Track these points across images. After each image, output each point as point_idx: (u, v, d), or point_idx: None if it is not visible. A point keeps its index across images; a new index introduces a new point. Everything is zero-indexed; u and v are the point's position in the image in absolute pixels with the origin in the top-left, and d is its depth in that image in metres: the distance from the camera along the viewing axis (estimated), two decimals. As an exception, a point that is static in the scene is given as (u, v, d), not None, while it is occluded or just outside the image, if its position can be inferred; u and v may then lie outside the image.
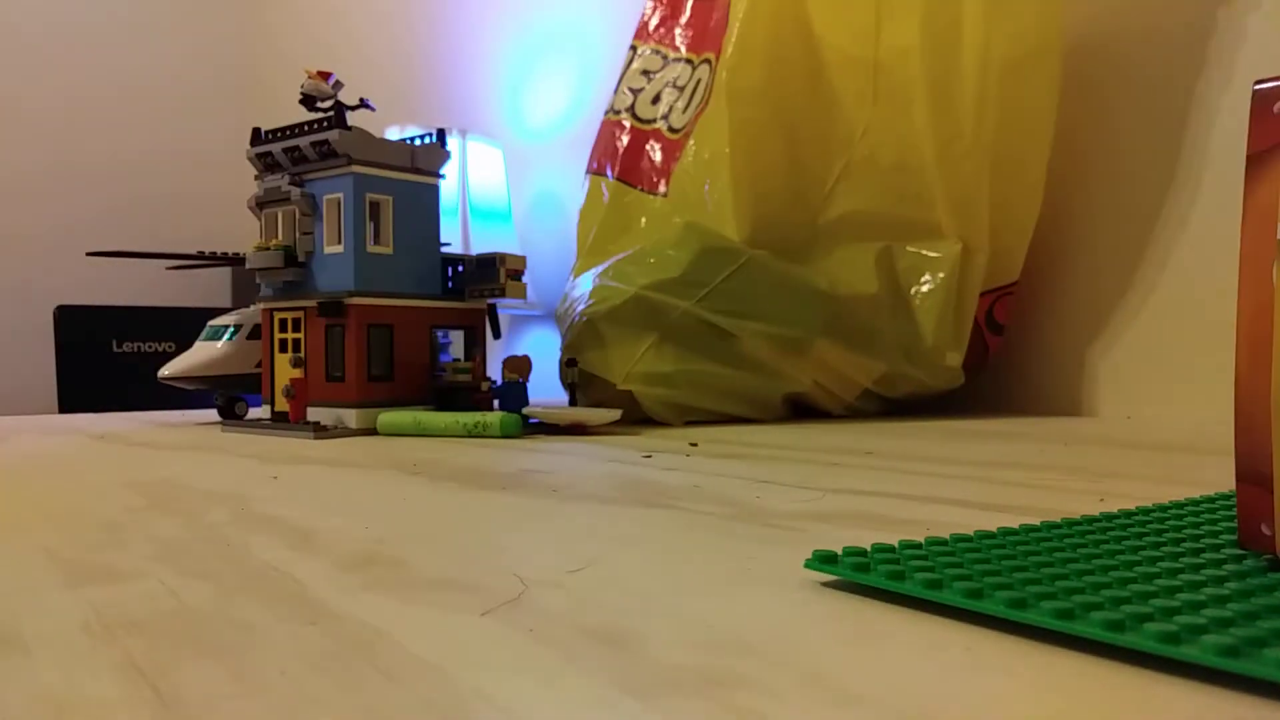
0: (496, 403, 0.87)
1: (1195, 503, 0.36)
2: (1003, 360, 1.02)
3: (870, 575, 0.25)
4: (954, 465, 0.53)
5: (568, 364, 0.89)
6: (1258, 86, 0.28)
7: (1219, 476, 0.47)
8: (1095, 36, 0.95)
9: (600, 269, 0.93)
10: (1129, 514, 0.34)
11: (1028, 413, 0.98)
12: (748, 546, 0.32)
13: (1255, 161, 0.27)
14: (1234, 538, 0.30)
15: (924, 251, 0.92)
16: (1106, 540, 0.29)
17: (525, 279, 0.90)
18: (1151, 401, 0.91)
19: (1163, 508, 0.35)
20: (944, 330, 0.91)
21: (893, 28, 0.92)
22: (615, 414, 0.81)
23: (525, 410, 0.82)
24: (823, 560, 0.27)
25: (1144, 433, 0.74)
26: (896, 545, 0.28)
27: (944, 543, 0.29)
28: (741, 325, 0.87)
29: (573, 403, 0.91)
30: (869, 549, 0.28)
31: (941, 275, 0.91)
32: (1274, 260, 0.27)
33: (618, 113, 1.08)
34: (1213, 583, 0.24)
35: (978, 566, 0.26)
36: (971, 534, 0.30)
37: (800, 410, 0.96)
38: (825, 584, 0.27)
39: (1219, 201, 0.86)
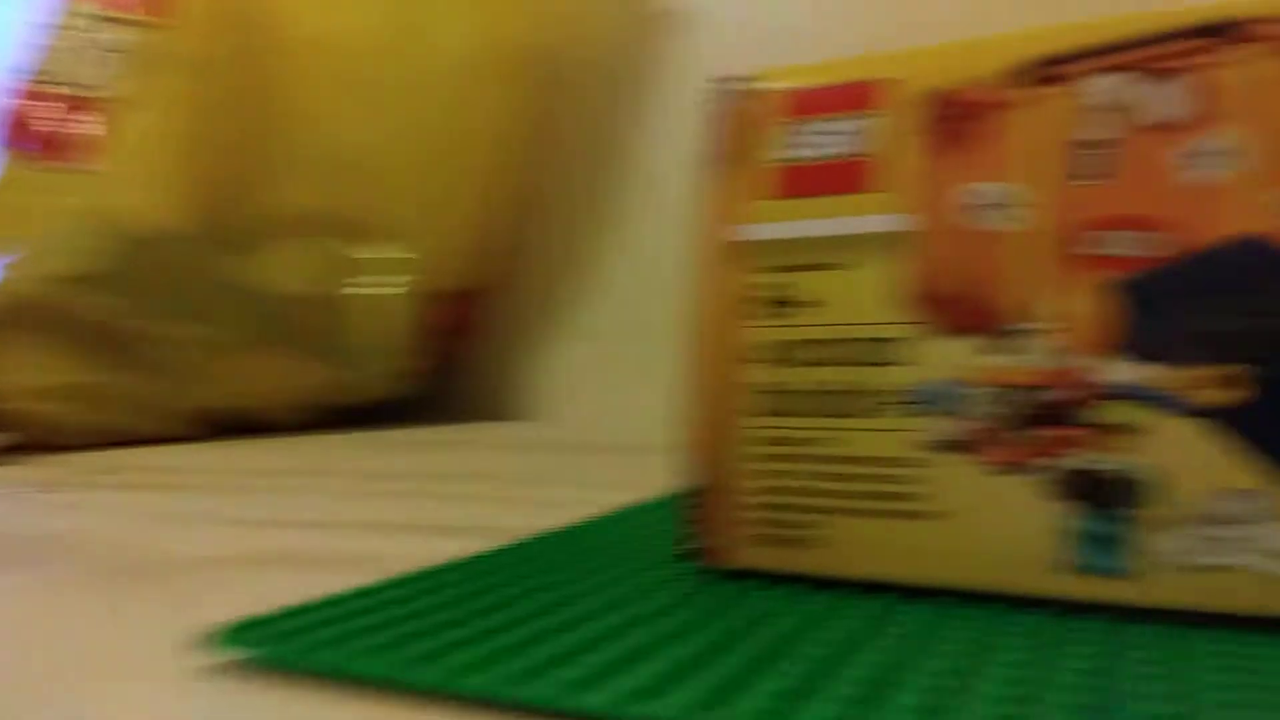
0: None
1: (656, 506, 0.36)
2: (462, 365, 1.01)
3: (293, 648, 0.19)
4: (411, 480, 0.49)
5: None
6: (711, 86, 0.27)
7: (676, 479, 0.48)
8: (550, 59, 0.98)
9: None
10: (588, 526, 0.32)
11: (489, 418, 0.98)
12: (140, 615, 0.24)
13: (715, 158, 0.26)
14: (686, 547, 0.29)
15: (379, 252, 0.88)
16: (563, 563, 0.27)
17: None
18: (609, 403, 0.95)
19: (622, 515, 0.34)
20: (399, 335, 0.88)
21: (361, 13, 0.86)
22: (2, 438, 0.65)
23: None
24: (232, 633, 0.20)
25: (604, 435, 0.76)
26: (331, 598, 0.23)
27: (394, 586, 0.24)
28: (167, 327, 0.76)
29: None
30: (294, 609, 0.22)
31: (397, 277, 0.87)
32: (731, 261, 0.26)
33: (34, 79, 0.89)
34: (669, 609, 0.22)
35: (429, 618, 0.21)
36: (426, 570, 0.26)
37: (237, 425, 0.86)
38: (238, 662, 0.20)
39: (664, 210, 0.93)
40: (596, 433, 0.79)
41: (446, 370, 0.99)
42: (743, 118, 0.26)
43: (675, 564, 0.27)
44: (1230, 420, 0.20)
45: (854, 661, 0.18)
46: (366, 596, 0.23)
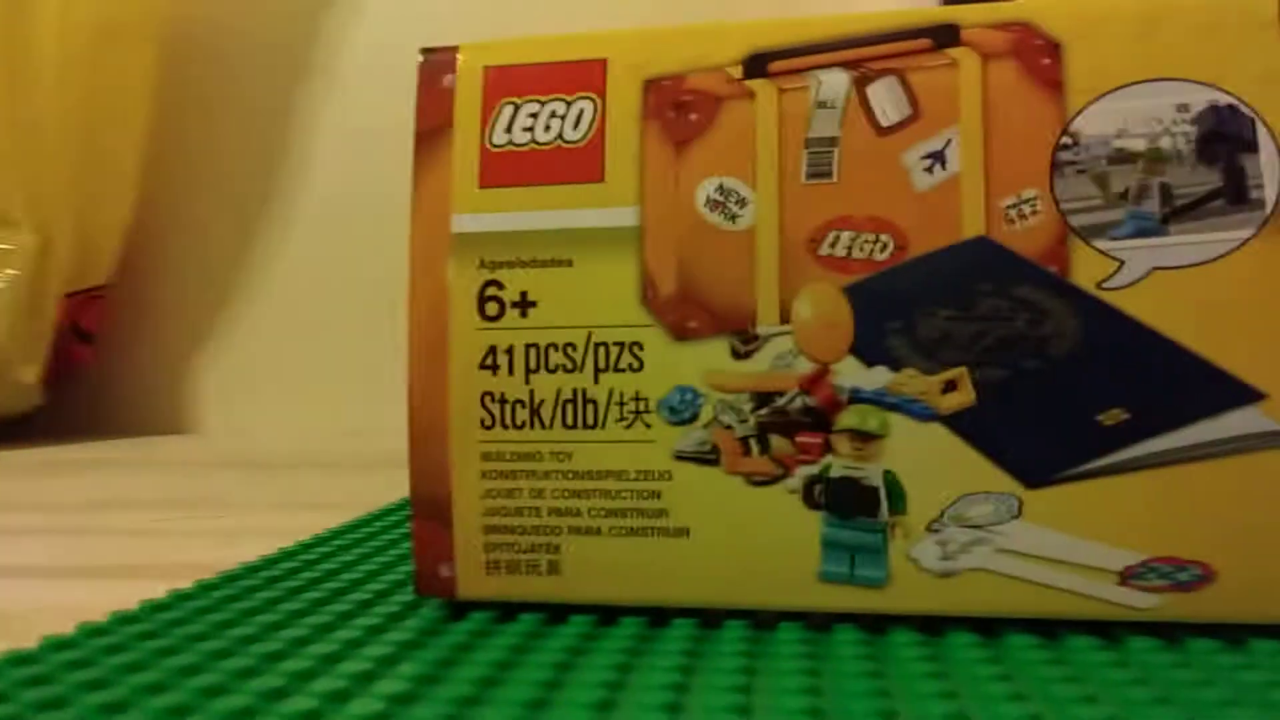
0: None
1: (363, 531, 0.32)
2: (96, 373, 0.89)
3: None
4: (43, 513, 0.42)
5: None
6: (425, 57, 0.24)
7: (361, 494, 0.44)
8: (196, 31, 0.89)
9: None
10: (285, 558, 0.28)
11: (130, 433, 0.87)
12: None
13: (425, 141, 0.23)
14: (412, 579, 0.26)
15: (-13, 243, 0.75)
16: (261, 607, 0.23)
17: None
18: (267, 413, 0.87)
19: (323, 543, 0.30)
20: (15, 339, 0.76)
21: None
22: None
23: None
24: None
25: (262, 449, 0.70)
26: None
27: (31, 659, 0.19)
28: None
29: None
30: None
31: (12, 273, 0.75)
32: (448, 256, 0.23)
33: None
34: (394, 660, 0.19)
35: (84, 701, 0.17)
36: (74, 632, 0.21)
37: None
38: None
39: (334, 204, 0.86)
40: (270, 447, 0.72)
41: (80, 379, 0.87)
42: (451, 96, 0.24)
43: (397, 599, 0.24)
44: (964, 424, 0.20)
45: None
46: None
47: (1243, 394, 0.19)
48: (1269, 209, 0.19)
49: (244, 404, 0.88)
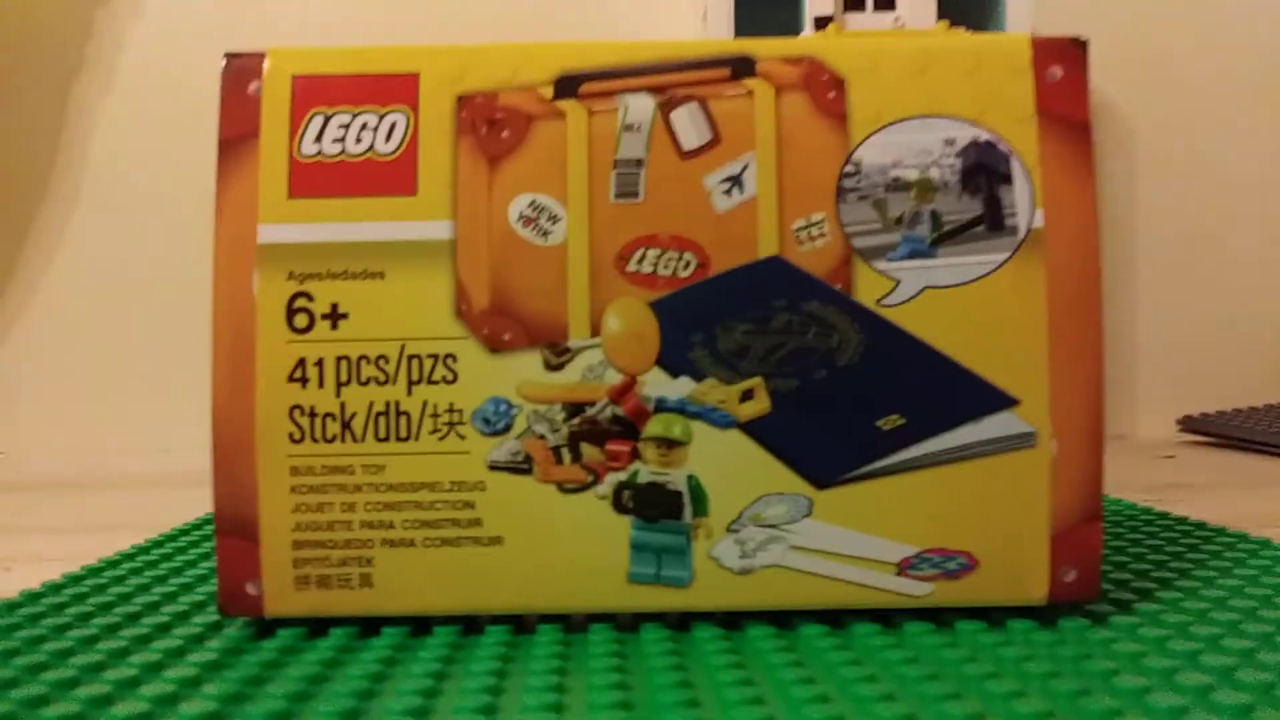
0: None
1: (144, 551, 0.30)
2: None
3: None
4: None
5: None
6: (229, 61, 0.23)
7: (152, 515, 0.42)
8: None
9: None
10: (64, 585, 0.26)
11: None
12: None
13: (229, 149, 0.23)
14: (216, 597, 0.25)
15: None
16: (47, 635, 0.22)
17: None
18: (54, 429, 0.81)
19: (95, 570, 0.29)
20: None
21: None
22: None
23: None
24: None
25: (31, 468, 0.65)
26: None
27: None
28: None
29: None
30: None
31: None
32: (254, 266, 0.23)
33: None
34: (208, 674, 0.19)
35: None
36: None
37: None
38: None
39: (132, 200, 0.81)
40: (30, 462, 0.67)
41: None
42: (257, 103, 0.23)
43: (198, 620, 0.23)
44: (760, 430, 0.22)
45: None
46: None
47: (1000, 400, 0.22)
48: (1021, 235, 0.22)
49: (28, 418, 0.82)
